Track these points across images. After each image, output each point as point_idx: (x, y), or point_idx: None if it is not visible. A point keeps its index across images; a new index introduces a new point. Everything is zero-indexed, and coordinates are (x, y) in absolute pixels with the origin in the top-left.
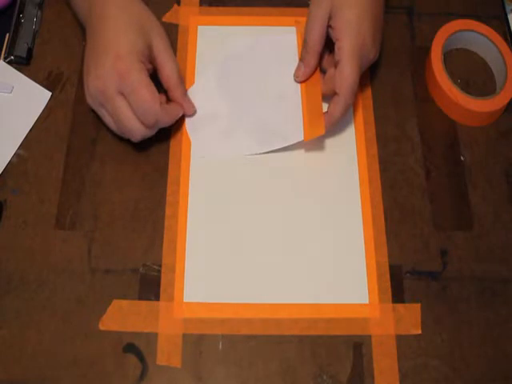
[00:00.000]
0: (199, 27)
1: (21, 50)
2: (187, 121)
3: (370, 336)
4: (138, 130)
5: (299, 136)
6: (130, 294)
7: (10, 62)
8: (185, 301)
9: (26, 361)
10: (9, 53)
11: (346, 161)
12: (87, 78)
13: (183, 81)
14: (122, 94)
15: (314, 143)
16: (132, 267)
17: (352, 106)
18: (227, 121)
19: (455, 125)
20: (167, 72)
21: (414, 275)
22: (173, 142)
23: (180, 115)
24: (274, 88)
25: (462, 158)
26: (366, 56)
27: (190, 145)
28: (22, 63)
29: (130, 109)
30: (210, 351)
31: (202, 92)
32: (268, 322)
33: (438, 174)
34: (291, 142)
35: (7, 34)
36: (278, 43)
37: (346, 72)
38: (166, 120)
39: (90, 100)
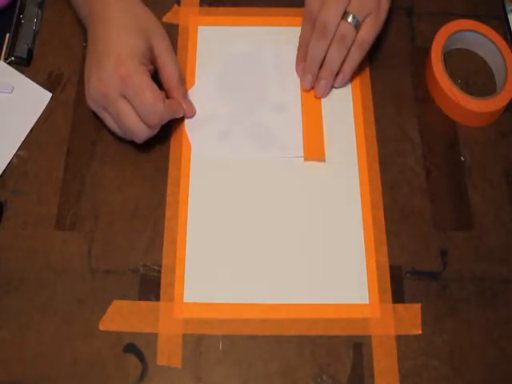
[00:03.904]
0: (199, 27)
1: (21, 50)
2: (187, 121)
3: (370, 336)
4: (141, 131)
5: (299, 151)
6: (130, 294)
7: (10, 63)
8: (185, 301)
9: (26, 361)
10: (9, 53)
11: (345, 161)
12: (88, 80)
13: (184, 82)
14: (124, 96)
15: None
16: (132, 267)
17: (352, 104)
18: (227, 122)
19: (455, 125)
20: (168, 73)
21: (414, 275)
22: (173, 143)
23: (182, 113)
24: (274, 96)
25: (462, 158)
26: None
27: (190, 145)
28: (23, 64)
29: (132, 111)
30: (210, 351)
31: (202, 93)
32: (268, 323)
33: (438, 174)
34: (290, 155)
35: (7, 35)
36: (280, 53)
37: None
38: (169, 117)
39: (91, 103)
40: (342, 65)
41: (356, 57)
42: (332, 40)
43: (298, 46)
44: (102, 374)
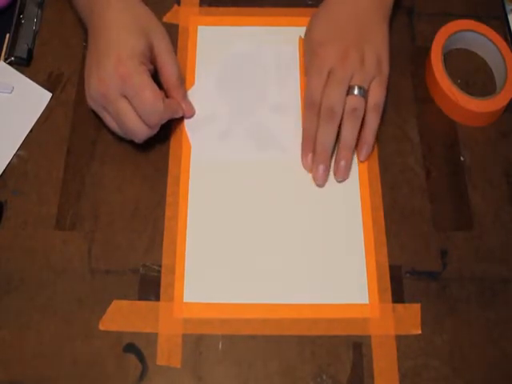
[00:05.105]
0: (199, 27)
1: (21, 50)
2: (187, 121)
3: (369, 336)
4: (141, 131)
5: (299, 152)
6: (130, 294)
7: (10, 63)
8: (185, 301)
9: (26, 361)
10: (9, 53)
11: None
12: (89, 80)
13: (183, 82)
14: (124, 96)
15: None
16: (132, 267)
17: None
18: (227, 122)
19: (455, 125)
20: (168, 73)
21: (414, 275)
22: (173, 143)
23: (181, 113)
24: (274, 96)
25: (461, 158)
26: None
27: (190, 145)
28: (23, 64)
29: (132, 111)
30: (210, 351)
31: (202, 93)
32: (268, 322)
33: (438, 174)
34: (290, 156)
35: (7, 35)
36: (280, 53)
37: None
38: (169, 116)
39: (91, 102)
40: (358, 136)
41: (374, 122)
42: (342, 119)
43: (303, 138)
44: (102, 374)
